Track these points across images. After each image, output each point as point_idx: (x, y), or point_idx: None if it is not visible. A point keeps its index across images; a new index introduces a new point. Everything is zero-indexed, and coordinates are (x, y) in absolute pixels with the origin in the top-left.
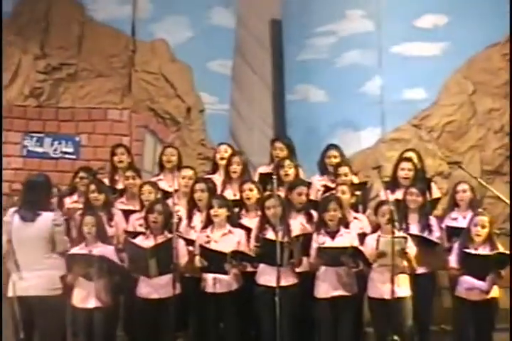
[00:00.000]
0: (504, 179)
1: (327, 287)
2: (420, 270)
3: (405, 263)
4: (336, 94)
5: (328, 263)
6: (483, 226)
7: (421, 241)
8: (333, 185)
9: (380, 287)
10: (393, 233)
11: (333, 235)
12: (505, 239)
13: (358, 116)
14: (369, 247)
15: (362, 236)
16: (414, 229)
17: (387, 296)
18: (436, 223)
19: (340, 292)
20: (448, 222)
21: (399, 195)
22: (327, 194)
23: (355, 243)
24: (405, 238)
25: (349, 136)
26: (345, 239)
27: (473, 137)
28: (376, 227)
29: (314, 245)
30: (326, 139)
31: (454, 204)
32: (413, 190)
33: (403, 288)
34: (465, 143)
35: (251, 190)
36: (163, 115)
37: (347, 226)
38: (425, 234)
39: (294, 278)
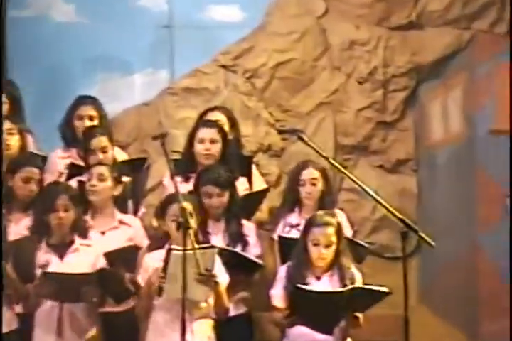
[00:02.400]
0: (373, 160)
1: (52, 336)
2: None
3: (211, 299)
4: (91, 11)
5: (55, 296)
6: (328, 244)
7: (231, 262)
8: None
9: (165, 336)
10: (199, 243)
11: (62, 251)
12: (380, 262)
13: (129, 49)
14: (150, 269)
15: (134, 251)
16: (219, 241)
17: None
18: (256, 232)
19: None
20: (282, 231)
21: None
22: (70, 181)
23: (101, 263)
24: (212, 252)
25: (114, 81)
26: (86, 257)
27: (324, 88)
28: (164, 237)
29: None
30: (76, 86)
31: (295, 202)
32: (209, 188)
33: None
34: (309, 98)
35: None
36: None
37: (85, 235)
38: (238, 250)
39: (12, 321)
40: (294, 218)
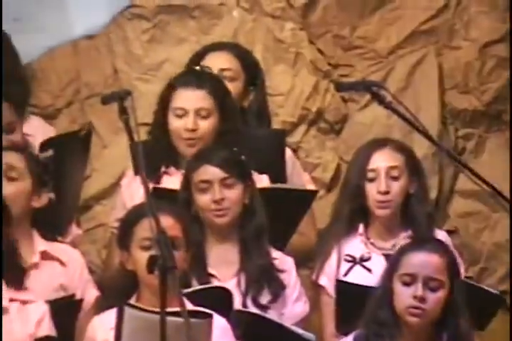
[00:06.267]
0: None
1: None
2: None
3: None
4: None
5: None
6: (431, 284)
7: (252, 330)
8: None
9: None
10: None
11: None
12: None
13: None
14: None
15: (70, 309)
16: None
17: None
18: (295, 273)
19: None
20: (337, 270)
21: (175, 181)
22: None
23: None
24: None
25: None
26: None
27: (421, 5)
28: (128, 284)
29: None
30: None
31: (358, 213)
32: (207, 171)
33: None
34: (394, 23)
35: None
36: None
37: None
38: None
39: None
40: (356, 244)
